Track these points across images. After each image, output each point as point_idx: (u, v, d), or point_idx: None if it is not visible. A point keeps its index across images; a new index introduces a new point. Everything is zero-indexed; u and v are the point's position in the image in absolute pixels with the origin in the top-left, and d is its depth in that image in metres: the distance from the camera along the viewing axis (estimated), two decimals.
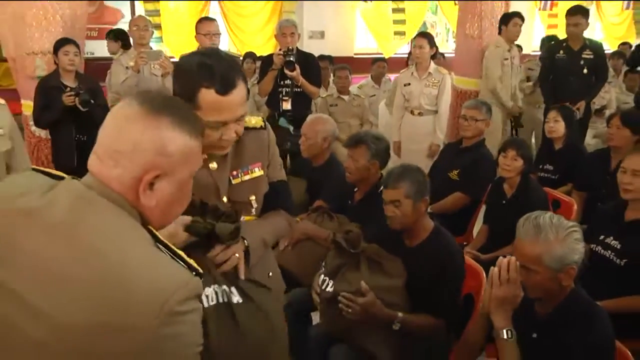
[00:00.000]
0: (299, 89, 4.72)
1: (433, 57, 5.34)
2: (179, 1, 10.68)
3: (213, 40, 4.52)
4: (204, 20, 4.79)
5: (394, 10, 10.57)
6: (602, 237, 3.00)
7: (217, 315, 1.72)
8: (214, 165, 1.78)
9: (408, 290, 2.56)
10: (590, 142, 6.31)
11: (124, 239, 1.12)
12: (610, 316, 2.58)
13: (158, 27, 10.34)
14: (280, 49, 4.69)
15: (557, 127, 4.36)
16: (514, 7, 6.55)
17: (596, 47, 5.78)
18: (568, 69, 5.62)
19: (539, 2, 10.86)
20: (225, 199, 1.82)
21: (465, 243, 3.77)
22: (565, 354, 2.00)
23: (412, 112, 5.22)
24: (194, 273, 1.15)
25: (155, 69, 4.59)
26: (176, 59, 4.75)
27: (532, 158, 3.67)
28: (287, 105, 4.73)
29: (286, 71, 4.59)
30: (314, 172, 3.76)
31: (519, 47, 6.59)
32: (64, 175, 1.23)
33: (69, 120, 4.18)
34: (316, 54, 5.35)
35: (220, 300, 1.76)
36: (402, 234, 2.67)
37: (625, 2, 11.73)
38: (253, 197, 1.89)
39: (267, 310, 1.87)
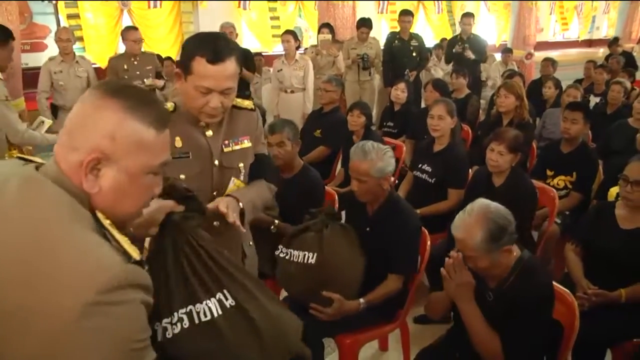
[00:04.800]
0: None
1: (297, 48, 5.44)
2: (97, 15, 10.25)
3: (139, 44, 4.55)
4: (129, 29, 4.76)
5: (272, 18, 10.72)
6: (420, 165, 3.29)
7: (229, 322, 1.28)
8: (209, 132, 1.67)
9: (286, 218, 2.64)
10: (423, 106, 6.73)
11: (54, 221, 0.86)
12: (424, 218, 2.93)
13: (80, 39, 9.87)
14: None
15: (402, 96, 4.61)
16: (360, 11, 6.81)
17: (419, 38, 6.25)
18: (402, 53, 6.02)
19: (379, 3, 11.31)
20: (217, 163, 1.69)
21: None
22: (387, 238, 2.24)
23: (285, 91, 5.31)
24: (131, 261, 0.87)
25: (79, 71, 4.54)
26: (99, 65, 4.73)
27: (372, 116, 3.88)
28: None
29: None
30: None
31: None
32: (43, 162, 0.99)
33: None
34: None
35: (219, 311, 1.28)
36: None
37: (438, 5, 12.46)
38: (241, 164, 1.77)
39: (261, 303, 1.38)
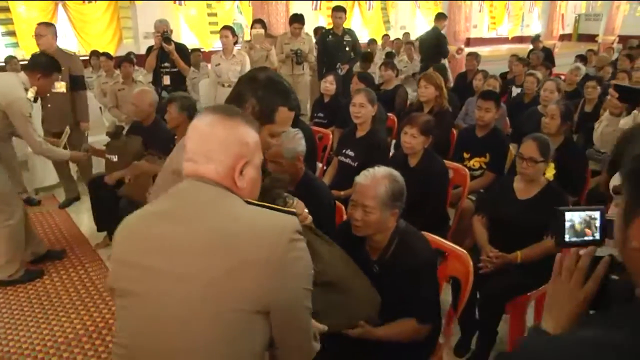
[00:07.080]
0: (175, 69, 5.01)
1: (235, 43, 5.48)
2: (30, 10, 9.88)
3: (40, 40, 4.24)
4: (38, 24, 4.40)
5: (209, 14, 10.70)
6: (344, 150, 3.45)
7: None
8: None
9: None
10: None
11: (234, 205, 1.15)
12: (347, 199, 3.09)
13: (13, 33, 9.54)
14: (158, 32, 4.94)
15: (331, 88, 4.76)
16: (295, 7, 6.94)
17: (352, 33, 6.42)
18: (336, 48, 6.20)
19: (311, 3, 11.49)
20: None
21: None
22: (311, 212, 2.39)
23: (223, 85, 5.34)
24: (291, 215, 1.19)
25: None
26: None
27: (300, 107, 4.02)
28: (167, 81, 5.07)
29: (164, 45, 4.88)
30: (145, 130, 3.82)
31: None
32: None
33: None
34: None
35: None
36: None
37: (369, 3, 12.81)
38: None
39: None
